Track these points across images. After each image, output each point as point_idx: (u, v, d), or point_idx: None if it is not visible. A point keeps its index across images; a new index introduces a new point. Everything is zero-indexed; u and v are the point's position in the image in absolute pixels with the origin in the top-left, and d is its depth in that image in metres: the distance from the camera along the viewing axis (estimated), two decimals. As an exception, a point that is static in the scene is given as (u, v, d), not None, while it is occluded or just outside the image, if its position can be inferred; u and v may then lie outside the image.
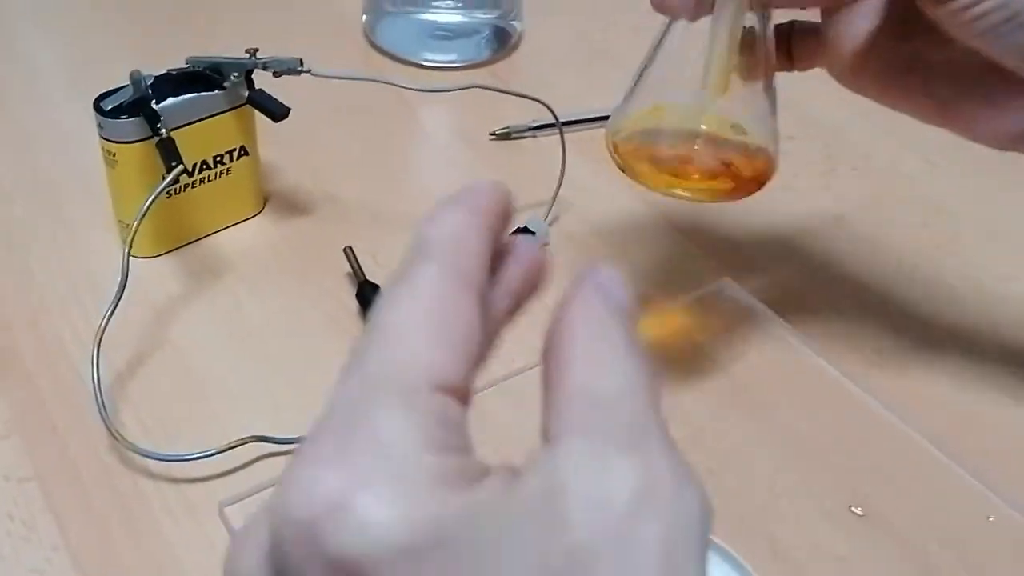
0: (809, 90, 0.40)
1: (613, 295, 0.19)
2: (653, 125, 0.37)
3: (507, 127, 0.56)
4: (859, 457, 0.39)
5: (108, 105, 0.43)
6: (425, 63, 0.62)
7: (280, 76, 0.45)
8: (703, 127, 0.36)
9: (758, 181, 0.37)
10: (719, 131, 0.37)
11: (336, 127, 0.56)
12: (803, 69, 0.38)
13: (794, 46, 0.37)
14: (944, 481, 0.38)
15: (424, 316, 0.18)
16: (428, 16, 0.62)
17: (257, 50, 0.45)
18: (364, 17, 0.64)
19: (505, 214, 0.20)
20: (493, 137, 0.56)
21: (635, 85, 0.37)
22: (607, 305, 0.19)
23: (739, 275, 0.47)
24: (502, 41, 0.64)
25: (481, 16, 0.63)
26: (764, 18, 0.35)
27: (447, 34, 0.62)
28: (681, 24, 0.36)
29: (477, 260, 0.19)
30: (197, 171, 0.46)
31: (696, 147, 0.36)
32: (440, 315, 0.18)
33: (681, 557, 0.16)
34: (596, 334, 0.18)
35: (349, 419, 0.17)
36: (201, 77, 0.45)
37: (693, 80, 0.36)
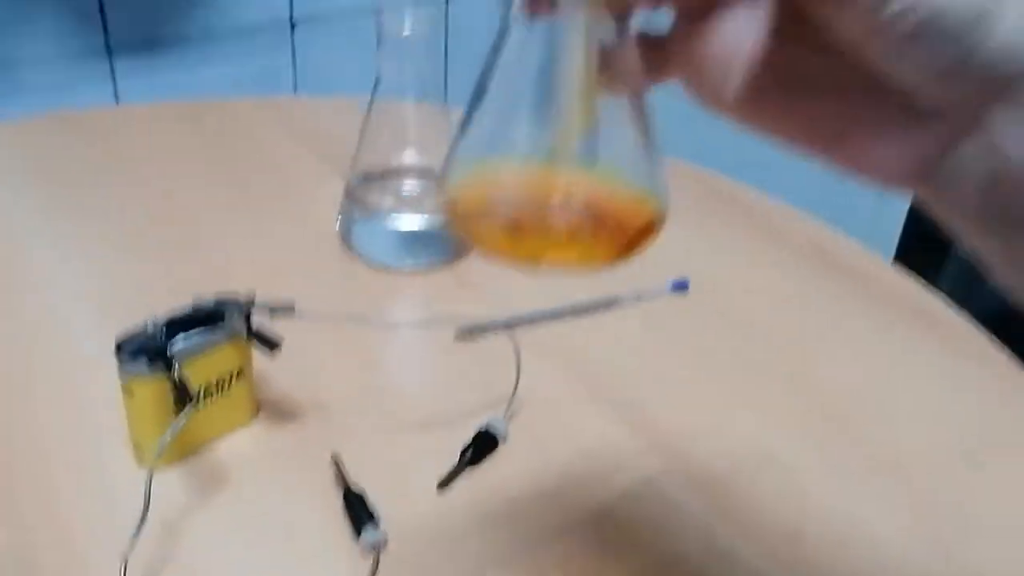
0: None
1: None
2: (498, 178, 0.30)
3: (471, 326, 0.64)
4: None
5: (127, 348, 0.50)
6: (394, 267, 0.70)
7: (275, 315, 0.52)
8: (564, 175, 0.29)
9: (645, 232, 0.30)
10: (586, 178, 0.29)
11: (318, 340, 0.63)
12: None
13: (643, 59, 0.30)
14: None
15: None
16: (395, 225, 0.71)
17: (255, 295, 0.52)
18: (338, 222, 0.73)
19: None
20: (458, 338, 0.64)
21: (470, 118, 0.30)
22: None
23: (672, 464, 0.54)
24: (464, 243, 0.72)
25: (443, 223, 0.71)
26: (624, 28, 0.29)
27: (413, 241, 0.71)
28: (522, 35, 0.28)
29: None
30: (201, 396, 0.53)
31: (558, 203, 0.29)
32: None
33: None
34: None
35: None
36: (205, 316, 0.53)
37: (545, 113, 0.29)
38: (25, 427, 0.56)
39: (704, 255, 0.75)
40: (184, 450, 0.55)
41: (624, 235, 0.30)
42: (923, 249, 1.18)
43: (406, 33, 0.65)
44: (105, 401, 0.56)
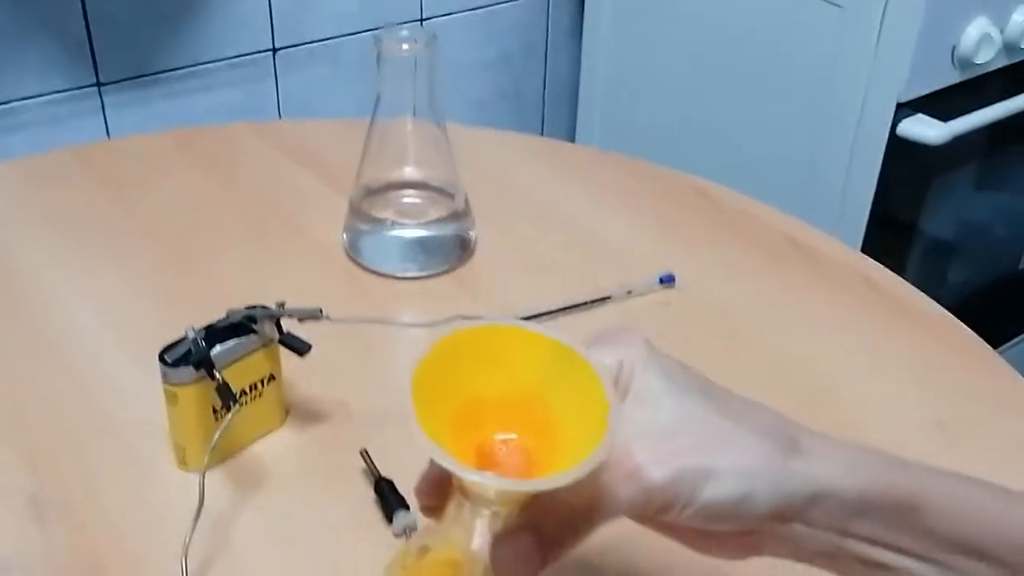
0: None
1: None
2: None
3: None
4: None
5: (170, 357, 0.55)
6: (400, 275, 0.74)
7: (304, 322, 0.57)
8: None
9: None
10: None
11: (340, 345, 0.67)
12: None
13: None
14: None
15: None
16: (398, 234, 0.75)
17: (285, 303, 0.57)
18: (344, 236, 0.77)
19: None
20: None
21: None
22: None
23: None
24: (463, 248, 0.77)
25: (443, 231, 0.76)
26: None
27: (417, 248, 0.75)
28: None
29: None
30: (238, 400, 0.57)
31: None
32: None
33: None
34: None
35: None
36: (238, 325, 0.57)
37: None
38: (70, 446, 0.60)
39: (686, 252, 0.80)
40: (222, 454, 0.59)
41: None
42: (888, 239, 1.24)
43: (405, 50, 0.69)
44: (141, 412, 0.60)
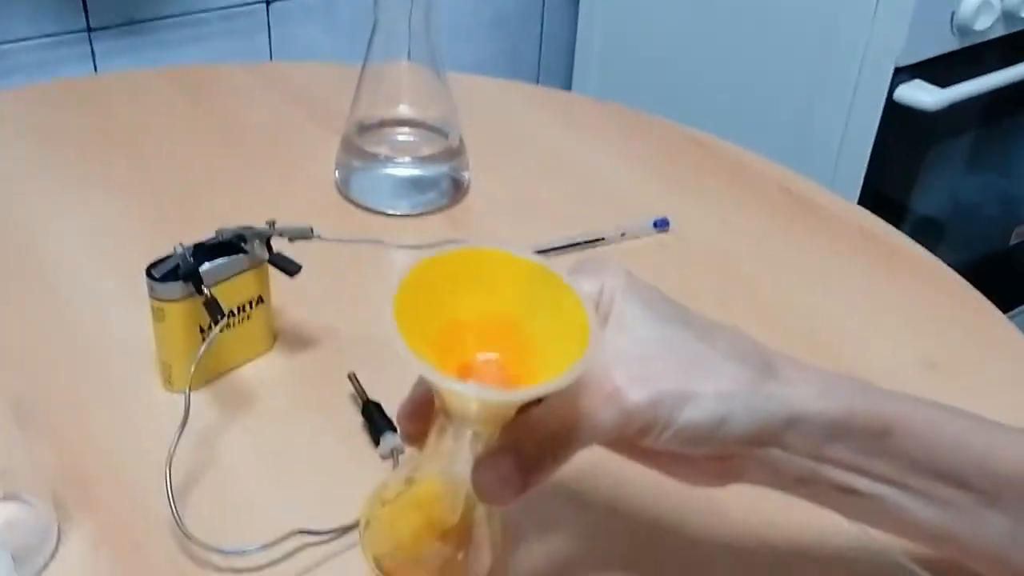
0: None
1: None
2: None
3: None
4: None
5: (158, 272, 0.54)
6: (391, 212, 0.74)
7: (295, 241, 0.56)
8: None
9: None
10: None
11: (328, 271, 0.67)
12: None
13: None
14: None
15: None
16: (391, 171, 0.74)
17: (275, 221, 0.56)
18: (336, 173, 0.76)
19: None
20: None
21: None
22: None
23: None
24: (456, 188, 0.76)
25: (436, 169, 0.75)
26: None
27: (409, 186, 0.75)
28: None
29: None
30: (226, 320, 0.57)
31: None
32: None
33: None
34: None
35: None
36: (228, 244, 0.56)
37: None
38: (55, 363, 0.59)
39: (681, 198, 0.79)
40: (210, 375, 0.58)
41: None
42: (880, 211, 1.24)
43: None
44: (128, 333, 0.59)
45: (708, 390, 0.37)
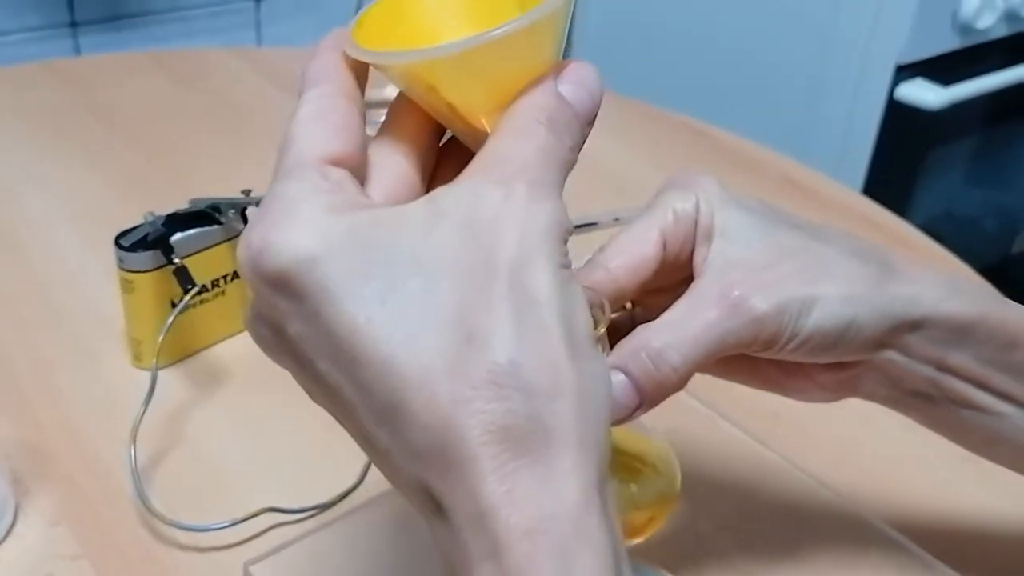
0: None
1: (578, 95, 0.28)
2: None
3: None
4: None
5: (126, 242, 0.51)
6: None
7: (271, 210, 0.53)
8: None
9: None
10: None
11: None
12: None
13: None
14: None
15: (310, 117, 0.27)
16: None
17: (251, 191, 0.53)
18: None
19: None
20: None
21: None
22: (561, 102, 0.28)
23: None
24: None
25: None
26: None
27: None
28: None
29: (347, 75, 0.29)
30: (198, 293, 0.54)
31: None
32: (321, 113, 0.27)
33: (531, 251, 0.26)
34: (535, 118, 0.27)
35: (266, 198, 0.26)
36: (202, 215, 0.53)
37: None
38: (25, 337, 0.57)
39: (678, 185, 0.77)
40: (181, 352, 0.55)
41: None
42: (889, 188, 1.21)
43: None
44: (99, 306, 0.57)
45: (832, 293, 0.35)
